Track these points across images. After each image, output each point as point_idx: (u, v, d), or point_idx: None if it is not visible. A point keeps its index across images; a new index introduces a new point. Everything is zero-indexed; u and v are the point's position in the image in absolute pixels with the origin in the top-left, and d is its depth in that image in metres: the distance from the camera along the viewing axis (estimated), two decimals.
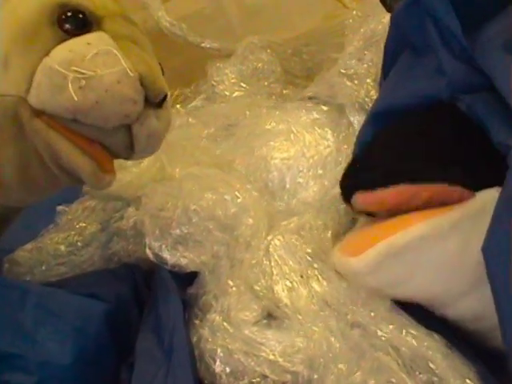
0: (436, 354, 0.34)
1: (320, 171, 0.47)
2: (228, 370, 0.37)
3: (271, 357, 0.36)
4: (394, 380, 0.33)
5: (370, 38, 0.52)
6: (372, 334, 0.35)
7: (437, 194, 0.36)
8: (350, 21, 0.56)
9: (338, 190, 0.40)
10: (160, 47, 0.42)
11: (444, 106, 0.38)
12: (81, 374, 0.39)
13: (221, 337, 0.38)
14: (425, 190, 0.35)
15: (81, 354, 0.39)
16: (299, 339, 0.36)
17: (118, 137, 0.36)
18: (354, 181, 0.39)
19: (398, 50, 0.43)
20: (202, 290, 0.43)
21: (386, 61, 0.46)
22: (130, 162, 0.49)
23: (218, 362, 0.37)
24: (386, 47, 0.45)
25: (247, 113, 0.54)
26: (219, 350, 0.37)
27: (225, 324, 0.39)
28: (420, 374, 0.33)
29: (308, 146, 0.49)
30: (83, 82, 0.33)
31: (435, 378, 0.33)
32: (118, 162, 0.40)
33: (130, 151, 0.38)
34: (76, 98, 0.33)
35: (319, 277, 0.39)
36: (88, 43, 0.34)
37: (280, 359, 0.36)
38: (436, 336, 0.35)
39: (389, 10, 0.49)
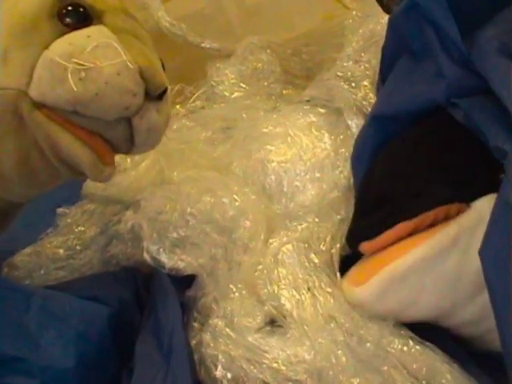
0: (441, 367, 0.34)
1: (317, 174, 0.47)
2: (229, 375, 0.37)
3: (274, 365, 0.36)
4: None
5: (369, 38, 0.52)
6: (380, 348, 0.35)
7: (436, 218, 0.37)
8: (350, 21, 0.56)
9: (335, 193, 0.40)
10: (160, 47, 0.41)
11: (438, 117, 0.38)
12: (83, 378, 0.39)
13: (223, 342, 0.38)
14: (423, 220, 0.37)
15: (83, 358, 0.39)
16: (303, 349, 0.36)
17: (118, 129, 0.37)
18: (355, 234, 0.40)
19: (396, 54, 0.43)
20: (201, 293, 0.43)
21: (384, 64, 0.45)
22: (128, 166, 0.49)
23: (219, 368, 0.37)
24: (383, 51, 0.45)
25: (244, 116, 0.54)
26: (221, 356, 0.37)
27: (227, 330, 0.38)
28: None
29: (305, 149, 0.48)
30: (83, 74, 0.33)
31: None
32: (116, 165, 0.40)
33: (130, 144, 0.38)
34: (76, 89, 0.33)
35: (326, 289, 0.39)
36: (88, 36, 0.35)
37: (283, 367, 0.36)
38: (438, 350, 0.35)
39: (386, 10, 0.49)
